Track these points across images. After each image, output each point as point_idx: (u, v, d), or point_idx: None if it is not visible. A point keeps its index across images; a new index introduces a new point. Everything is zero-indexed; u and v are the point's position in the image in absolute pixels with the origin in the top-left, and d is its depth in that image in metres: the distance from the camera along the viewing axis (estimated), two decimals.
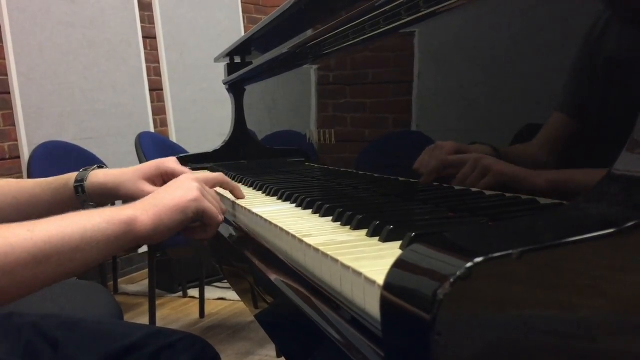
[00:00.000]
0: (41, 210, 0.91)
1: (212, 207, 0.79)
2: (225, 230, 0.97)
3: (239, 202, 0.96)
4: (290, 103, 1.45)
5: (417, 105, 0.85)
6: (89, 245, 0.67)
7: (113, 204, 1.00)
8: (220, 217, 0.80)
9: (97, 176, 0.93)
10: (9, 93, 2.86)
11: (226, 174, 1.45)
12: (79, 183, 0.92)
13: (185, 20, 3.84)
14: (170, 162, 0.97)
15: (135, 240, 0.72)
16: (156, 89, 3.65)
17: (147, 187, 0.92)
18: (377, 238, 0.59)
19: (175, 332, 0.97)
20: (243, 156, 1.86)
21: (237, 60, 1.91)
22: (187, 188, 0.78)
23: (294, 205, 0.88)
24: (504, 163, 0.65)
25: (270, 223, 0.74)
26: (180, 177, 0.85)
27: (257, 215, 0.82)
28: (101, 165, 0.98)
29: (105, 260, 0.64)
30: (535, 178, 0.61)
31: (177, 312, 2.91)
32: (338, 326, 0.49)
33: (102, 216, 0.70)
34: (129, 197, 0.91)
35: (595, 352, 0.36)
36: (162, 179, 0.96)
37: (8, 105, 2.87)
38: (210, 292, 3.02)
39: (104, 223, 0.69)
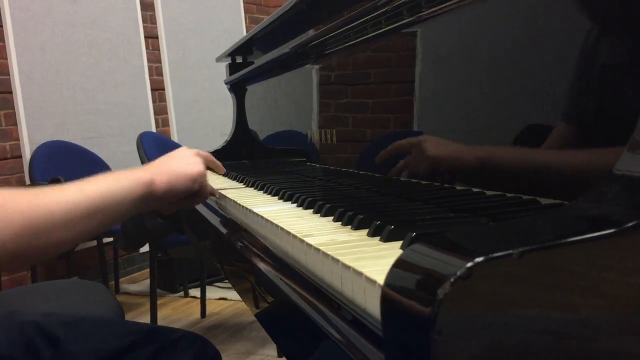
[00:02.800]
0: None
1: (208, 185, 0.92)
2: (227, 230, 0.97)
3: (240, 201, 0.96)
4: (292, 103, 1.45)
5: (418, 105, 0.85)
6: (123, 202, 0.78)
7: None
8: (211, 195, 0.96)
9: None
10: (11, 92, 2.87)
11: (227, 174, 1.46)
12: None
13: (187, 20, 3.85)
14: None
15: (153, 200, 0.82)
16: (158, 88, 3.66)
17: None
18: (378, 238, 0.59)
19: (176, 331, 0.98)
20: (244, 156, 1.87)
21: (239, 60, 1.91)
22: (195, 162, 0.89)
23: (295, 205, 0.88)
24: (438, 146, 0.76)
25: (272, 223, 0.74)
26: (182, 148, 0.94)
27: (258, 215, 0.82)
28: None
29: (129, 216, 0.81)
30: (466, 154, 0.70)
31: (178, 311, 2.92)
32: (339, 326, 0.49)
33: (129, 179, 0.79)
34: None
35: (596, 353, 0.36)
36: None
37: (10, 105, 2.87)
38: (212, 292, 3.02)
39: (133, 184, 0.79)
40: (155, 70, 3.65)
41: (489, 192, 0.67)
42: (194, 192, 0.89)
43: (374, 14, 0.89)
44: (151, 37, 3.63)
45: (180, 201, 0.90)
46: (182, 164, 0.87)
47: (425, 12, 0.79)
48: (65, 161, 2.81)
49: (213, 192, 0.98)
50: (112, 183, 0.78)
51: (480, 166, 0.68)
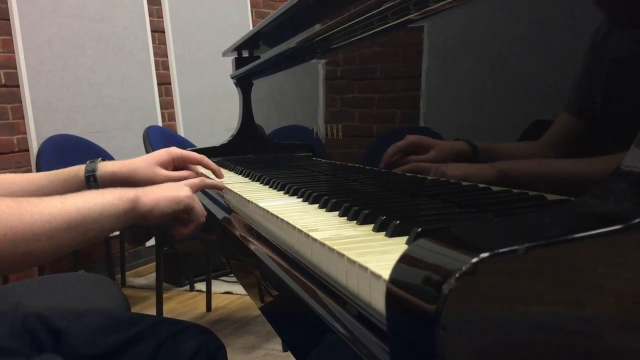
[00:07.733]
0: None
1: (198, 208, 0.93)
2: (232, 224, 0.97)
3: (246, 196, 0.96)
4: (298, 98, 1.45)
5: (424, 100, 0.85)
6: (106, 217, 0.79)
7: None
8: (202, 219, 0.95)
9: (106, 166, 1.01)
10: (18, 86, 2.88)
11: (233, 168, 1.46)
12: (91, 173, 1.00)
13: (194, 14, 3.84)
14: (177, 149, 1.09)
15: (136, 218, 0.84)
16: (164, 83, 3.66)
17: (162, 171, 1.04)
18: (383, 233, 0.59)
19: (181, 322, 0.98)
20: (250, 150, 1.87)
21: (245, 54, 1.91)
22: (182, 188, 0.92)
23: (301, 199, 0.88)
24: (455, 167, 0.76)
25: (277, 217, 0.74)
26: (174, 182, 0.99)
27: (263, 209, 0.82)
28: (103, 158, 1.05)
29: (113, 232, 0.84)
30: (486, 170, 0.70)
31: (184, 305, 2.93)
32: (344, 321, 0.49)
33: (113, 194, 0.82)
34: (144, 182, 1.00)
35: (602, 350, 0.36)
36: (174, 164, 1.07)
37: (17, 99, 2.88)
38: (217, 286, 3.03)
39: (116, 200, 0.81)
40: (162, 65, 3.65)
41: (495, 188, 0.67)
42: (184, 214, 0.92)
43: (381, 9, 0.89)
44: (158, 31, 3.63)
45: (173, 227, 0.95)
46: (170, 188, 0.91)
47: (432, 7, 0.79)
48: (72, 155, 2.82)
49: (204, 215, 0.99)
50: (96, 197, 0.80)
51: (498, 174, 0.68)
